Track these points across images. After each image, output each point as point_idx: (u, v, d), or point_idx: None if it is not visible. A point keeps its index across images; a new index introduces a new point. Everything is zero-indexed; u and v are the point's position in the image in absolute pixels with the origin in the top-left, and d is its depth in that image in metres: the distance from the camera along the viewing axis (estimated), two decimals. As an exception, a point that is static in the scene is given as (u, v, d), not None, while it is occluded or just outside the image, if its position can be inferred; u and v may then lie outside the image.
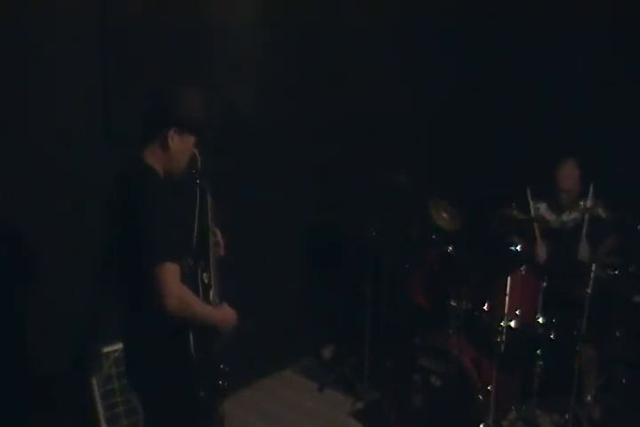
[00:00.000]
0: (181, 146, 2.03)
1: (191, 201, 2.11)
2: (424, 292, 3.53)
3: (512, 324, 3.11)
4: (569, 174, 3.47)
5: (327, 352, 4.23)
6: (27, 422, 2.69)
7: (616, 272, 3.16)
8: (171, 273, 1.82)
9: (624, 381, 3.28)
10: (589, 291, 2.86)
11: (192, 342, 1.94)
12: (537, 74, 4.04)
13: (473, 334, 3.24)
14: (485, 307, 3.22)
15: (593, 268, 2.88)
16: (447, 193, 3.58)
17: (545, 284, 3.14)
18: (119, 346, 2.86)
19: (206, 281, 2.11)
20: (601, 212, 3.32)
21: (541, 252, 3.47)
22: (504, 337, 3.05)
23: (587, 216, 3.39)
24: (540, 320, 3.14)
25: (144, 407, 2.20)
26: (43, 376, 2.74)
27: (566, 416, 3.10)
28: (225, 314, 2.08)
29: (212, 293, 2.11)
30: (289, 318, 3.87)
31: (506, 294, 3.06)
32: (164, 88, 2.05)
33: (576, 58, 3.83)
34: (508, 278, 3.06)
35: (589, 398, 3.31)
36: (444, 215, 3.54)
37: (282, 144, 3.57)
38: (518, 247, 3.18)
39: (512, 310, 3.10)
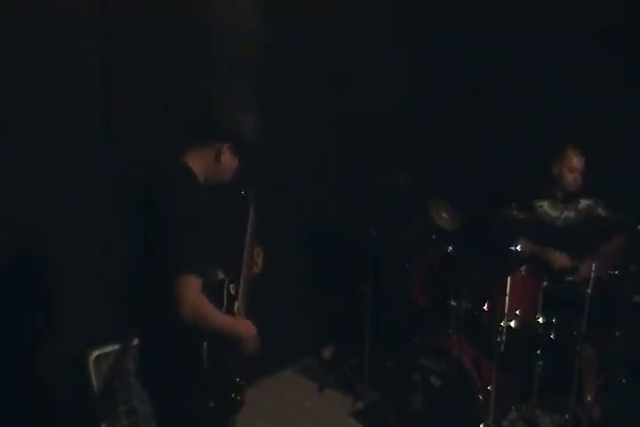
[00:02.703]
0: (230, 162, 2.05)
1: (231, 213, 2.11)
2: (424, 292, 3.53)
3: (512, 324, 3.11)
4: (578, 156, 3.40)
5: (327, 352, 4.24)
6: (27, 422, 2.69)
7: (616, 272, 3.16)
8: (191, 286, 1.81)
9: (624, 381, 3.28)
10: (589, 291, 2.86)
11: (205, 351, 1.92)
12: (537, 74, 4.04)
13: (473, 334, 3.24)
14: (485, 307, 3.22)
15: (593, 268, 2.88)
16: (447, 193, 3.58)
17: (545, 284, 3.14)
18: (119, 346, 2.86)
19: (232, 292, 2.10)
20: (601, 211, 3.33)
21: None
22: (504, 337, 3.05)
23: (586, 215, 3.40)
24: (540, 320, 3.14)
25: (153, 408, 2.19)
26: (43, 376, 2.74)
27: (566, 416, 3.09)
28: (244, 326, 2.07)
29: (237, 304, 2.10)
30: (289, 318, 3.87)
31: (506, 294, 3.06)
32: (229, 102, 2.07)
33: (576, 58, 3.83)
34: (508, 278, 3.06)
35: (589, 398, 3.31)
36: (444, 215, 3.54)
37: (281, 144, 3.57)
38: (518, 247, 3.18)
39: (512, 310, 3.10)
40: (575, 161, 3.40)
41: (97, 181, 2.85)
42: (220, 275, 2.08)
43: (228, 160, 2.04)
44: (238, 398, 2.11)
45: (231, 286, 2.09)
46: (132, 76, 2.85)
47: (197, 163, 2.00)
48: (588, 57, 3.75)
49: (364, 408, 3.57)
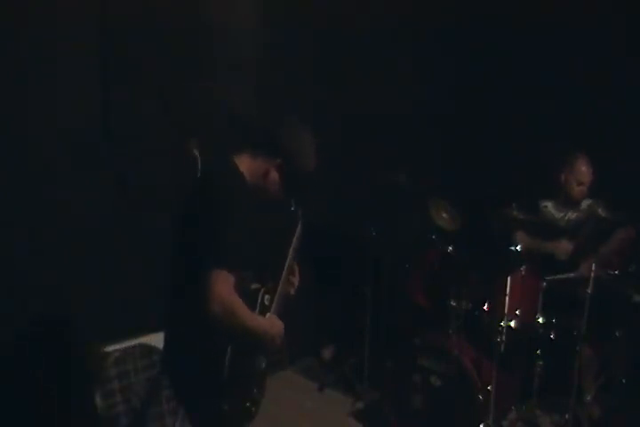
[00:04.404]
0: (275, 179, 2.04)
1: (276, 224, 2.10)
2: (424, 292, 3.53)
3: (512, 324, 3.11)
4: (588, 168, 3.40)
5: (327, 352, 4.23)
6: (27, 421, 2.69)
7: (616, 272, 3.16)
8: (222, 281, 1.79)
9: (624, 381, 3.27)
10: (589, 291, 2.86)
11: (228, 353, 1.91)
12: (537, 74, 4.04)
13: (473, 334, 3.24)
14: (485, 307, 3.22)
15: (593, 268, 2.88)
16: (447, 193, 3.58)
17: (545, 284, 3.14)
18: (119, 346, 2.87)
19: (267, 302, 2.09)
20: (601, 212, 3.32)
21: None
22: (504, 337, 3.05)
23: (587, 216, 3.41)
24: (540, 320, 3.14)
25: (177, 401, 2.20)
26: (42, 376, 2.74)
27: (566, 416, 3.09)
28: (272, 324, 2.06)
29: (268, 315, 2.10)
30: (289, 319, 3.86)
31: (506, 294, 3.06)
32: (299, 126, 2.10)
33: (576, 58, 3.83)
34: (508, 278, 3.07)
35: (589, 398, 3.31)
36: (444, 215, 3.54)
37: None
38: (518, 247, 3.18)
39: (512, 310, 3.10)
40: (584, 174, 3.39)
41: (97, 181, 2.85)
42: (256, 284, 2.08)
43: (274, 177, 2.03)
44: (252, 409, 2.09)
45: (266, 296, 2.09)
46: (131, 76, 2.85)
47: (245, 166, 2.00)
48: (588, 57, 3.76)
49: (363, 408, 3.57)
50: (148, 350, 2.91)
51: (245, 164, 2.01)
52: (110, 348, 2.86)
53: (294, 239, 2.23)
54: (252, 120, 2.03)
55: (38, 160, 2.64)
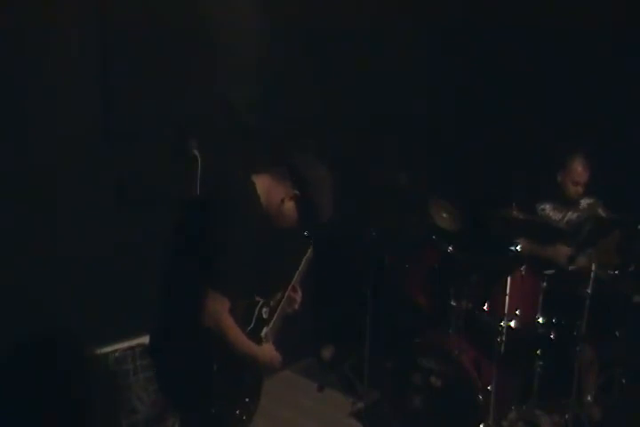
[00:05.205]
0: (291, 209, 2.00)
1: (286, 244, 2.08)
2: (424, 292, 3.53)
3: (512, 324, 3.11)
4: (584, 169, 3.40)
5: (327, 352, 4.23)
6: (26, 422, 2.69)
7: (616, 272, 3.16)
8: (217, 302, 1.80)
9: (624, 381, 3.27)
10: (589, 291, 2.86)
11: (216, 362, 1.90)
12: (537, 74, 4.04)
13: (473, 334, 3.24)
14: (485, 307, 3.22)
15: (593, 268, 2.88)
16: (447, 193, 3.58)
17: (545, 284, 3.14)
18: (119, 346, 2.86)
19: (264, 316, 2.08)
20: (601, 211, 3.33)
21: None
22: (504, 337, 3.06)
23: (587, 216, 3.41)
24: (540, 320, 3.14)
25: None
26: (42, 376, 2.74)
27: (566, 416, 3.10)
28: (265, 354, 2.04)
29: (265, 329, 2.08)
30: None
31: (506, 294, 3.06)
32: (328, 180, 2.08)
33: (576, 58, 3.83)
34: (508, 278, 3.07)
35: (589, 398, 3.31)
36: (444, 215, 3.54)
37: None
38: (518, 247, 3.18)
39: (512, 310, 3.10)
40: (580, 174, 3.39)
41: (97, 182, 2.85)
42: (255, 298, 2.07)
43: (290, 207, 1.99)
44: (243, 417, 2.06)
45: (264, 309, 2.07)
46: (132, 75, 2.85)
47: (263, 187, 1.96)
48: (587, 57, 3.75)
49: (364, 408, 3.57)
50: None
51: (263, 185, 1.97)
52: (110, 348, 2.86)
53: (302, 263, 2.21)
54: (267, 131, 1.98)
55: (38, 160, 2.64)
